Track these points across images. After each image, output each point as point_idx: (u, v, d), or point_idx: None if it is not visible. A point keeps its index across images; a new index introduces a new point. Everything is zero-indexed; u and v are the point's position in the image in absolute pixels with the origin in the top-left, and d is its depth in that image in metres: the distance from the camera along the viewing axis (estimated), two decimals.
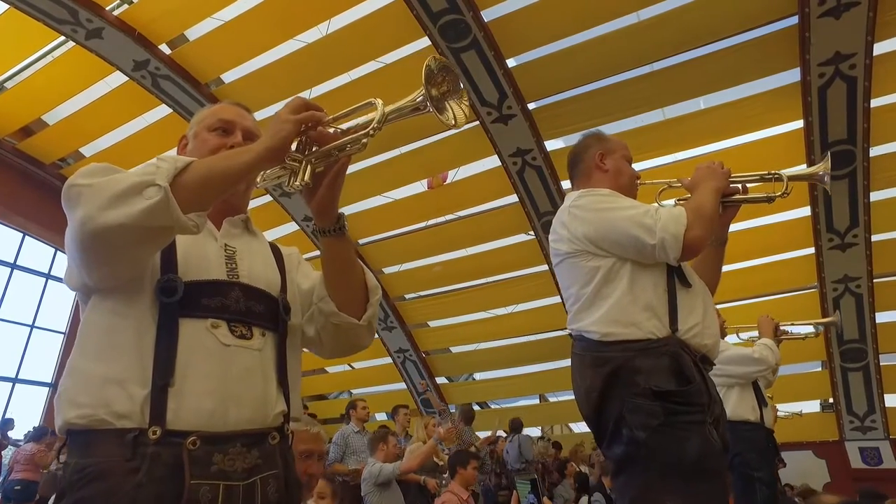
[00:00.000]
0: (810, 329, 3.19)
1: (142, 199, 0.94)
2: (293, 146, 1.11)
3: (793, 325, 2.88)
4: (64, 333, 11.24)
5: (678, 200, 1.98)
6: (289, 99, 1.12)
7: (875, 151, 6.84)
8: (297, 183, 1.11)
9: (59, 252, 11.48)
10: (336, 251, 1.25)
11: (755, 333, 3.48)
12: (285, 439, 1.14)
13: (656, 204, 1.92)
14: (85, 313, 1.10)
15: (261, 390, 1.10)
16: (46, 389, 10.78)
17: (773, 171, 1.99)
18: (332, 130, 1.14)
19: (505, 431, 7.86)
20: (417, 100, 1.06)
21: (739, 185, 1.94)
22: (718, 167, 1.91)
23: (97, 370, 1.01)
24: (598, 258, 1.80)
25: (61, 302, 11.35)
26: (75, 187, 0.99)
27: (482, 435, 8.04)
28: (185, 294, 1.07)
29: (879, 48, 6.21)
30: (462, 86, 1.11)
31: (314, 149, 1.13)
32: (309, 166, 1.11)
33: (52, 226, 11.06)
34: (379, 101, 1.06)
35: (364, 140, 1.08)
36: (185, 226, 0.98)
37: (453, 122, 1.08)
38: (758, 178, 2.00)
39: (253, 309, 1.15)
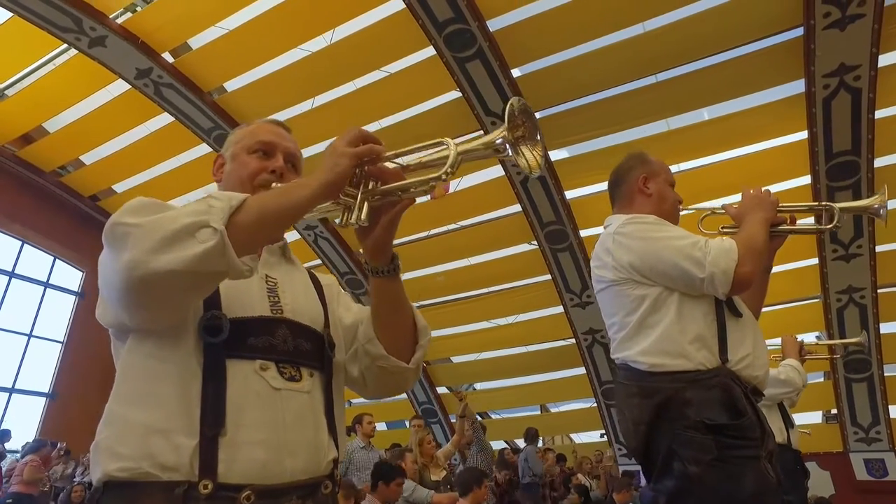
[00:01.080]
0: (836, 349, 3.14)
1: (195, 242, 0.87)
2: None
3: (817, 344, 2.84)
4: (62, 343, 11.13)
5: (722, 228, 1.93)
6: (347, 131, 1.04)
7: (879, 162, 6.86)
8: (353, 221, 1.03)
9: (57, 260, 11.41)
10: (388, 292, 1.17)
11: (775, 343, 3.43)
12: (335, 486, 1.10)
13: (703, 235, 1.85)
14: (122, 355, 1.03)
15: (313, 437, 1.04)
16: (44, 400, 10.66)
17: (823, 202, 1.94)
18: (391, 165, 1.06)
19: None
20: (496, 142, 0.97)
21: (787, 215, 1.88)
22: (766, 196, 1.85)
23: (139, 418, 0.94)
24: (645, 287, 1.75)
25: (59, 311, 11.26)
26: (121, 226, 0.91)
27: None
28: (231, 333, 1.00)
29: (884, 60, 6.24)
30: (539, 136, 1.02)
31: (371, 185, 1.05)
32: (366, 204, 1.03)
33: (50, 234, 11.00)
34: (451, 142, 0.98)
35: (433, 183, 1.00)
36: (240, 271, 0.91)
37: (528, 169, 1.00)
38: (806, 208, 1.95)
39: (301, 347, 1.08)
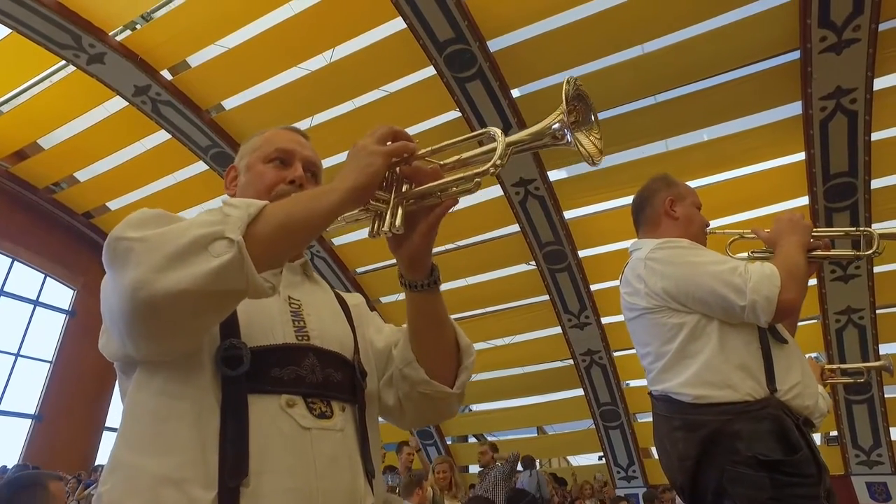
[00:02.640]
0: (858, 373, 3.09)
1: (208, 256, 0.76)
2: None
3: (840, 368, 2.79)
4: (50, 363, 10.89)
5: (752, 253, 1.87)
6: (377, 128, 0.94)
7: (876, 184, 6.91)
8: (387, 229, 0.91)
9: (48, 278, 11.22)
10: (427, 307, 1.05)
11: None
12: None
13: (742, 259, 1.78)
14: (129, 393, 0.89)
15: (348, 483, 0.92)
16: (29, 421, 10.38)
17: (861, 228, 1.87)
18: (427, 164, 0.95)
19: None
20: (553, 126, 0.87)
21: (821, 241, 1.81)
22: (800, 219, 1.78)
23: (148, 466, 0.82)
24: (681, 314, 1.68)
25: (48, 330, 11.04)
26: (123, 241, 0.79)
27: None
28: (252, 364, 0.88)
29: (879, 83, 6.32)
30: (594, 119, 0.92)
31: (405, 188, 0.94)
32: (400, 208, 0.92)
33: (41, 251, 10.84)
34: (498, 131, 0.88)
35: (478, 179, 0.88)
36: (261, 288, 0.79)
37: (589, 157, 0.90)
38: (843, 233, 1.90)
39: (331, 378, 0.96)
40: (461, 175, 0.91)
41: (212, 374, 0.87)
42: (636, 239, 1.97)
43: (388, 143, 0.91)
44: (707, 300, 1.63)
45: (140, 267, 0.76)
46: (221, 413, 0.84)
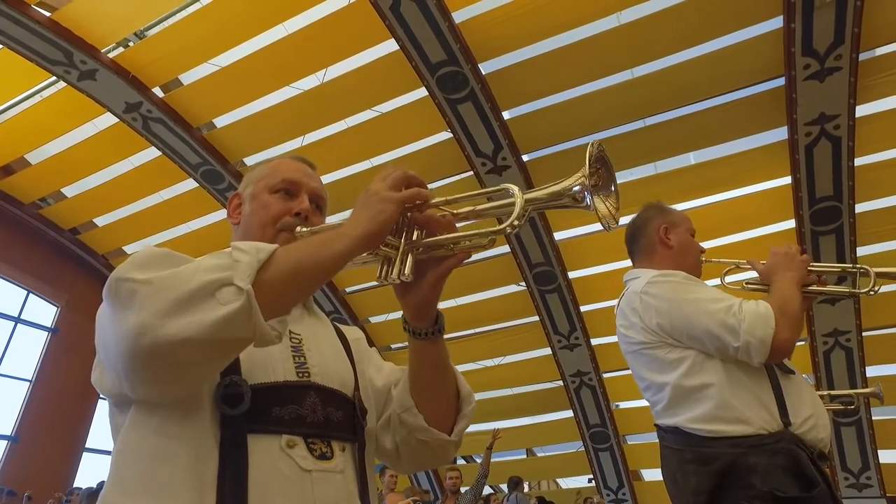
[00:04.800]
0: (848, 400, 3.09)
1: (216, 304, 0.73)
2: None
3: (829, 394, 2.79)
4: (30, 381, 10.63)
5: (747, 284, 1.85)
6: (387, 172, 0.91)
7: (860, 208, 7.03)
8: (394, 277, 0.89)
9: (31, 294, 11.02)
10: (429, 355, 1.03)
11: None
12: None
13: (736, 289, 1.76)
14: (123, 430, 0.86)
15: None
16: (4, 443, 10.09)
17: (859, 266, 1.84)
18: (440, 214, 0.93)
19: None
20: (573, 189, 0.85)
21: (816, 275, 1.77)
22: (796, 253, 1.75)
23: None
24: (679, 349, 1.66)
25: (29, 348, 10.80)
26: (128, 283, 0.76)
27: None
28: (253, 402, 0.85)
29: (861, 111, 6.46)
30: (614, 188, 0.90)
31: (416, 235, 0.91)
32: (410, 256, 0.90)
33: (24, 267, 10.67)
34: (515, 189, 0.85)
35: (493, 237, 0.86)
36: (268, 337, 0.77)
37: (606, 223, 0.88)
38: (839, 269, 1.87)
39: (331, 418, 0.94)
40: (476, 231, 0.89)
41: (210, 413, 0.84)
42: (632, 269, 1.95)
43: (402, 188, 0.89)
44: (701, 339, 1.62)
45: (144, 312, 0.74)
46: (220, 454, 0.82)
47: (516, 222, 0.83)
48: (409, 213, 0.91)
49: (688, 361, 1.64)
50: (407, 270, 0.88)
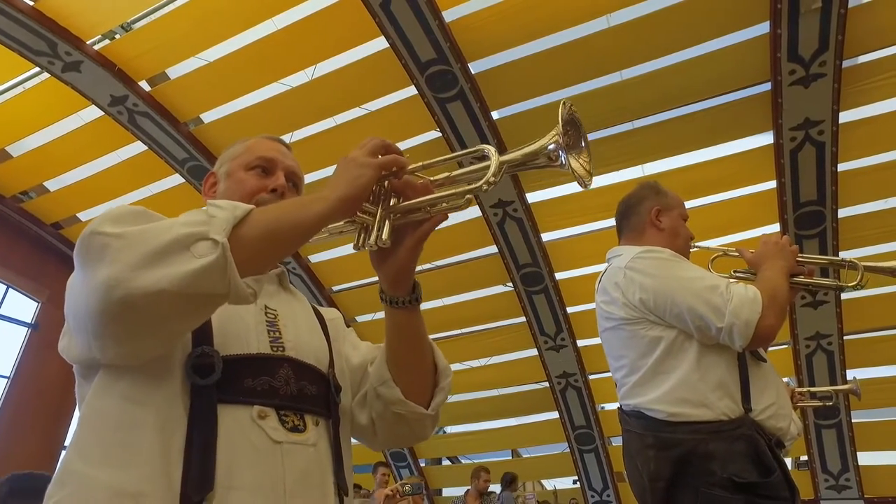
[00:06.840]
0: (827, 397, 3.13)
1: (190, 257, 0.72)
2: None
3: (809, 391, 2.82)
4: (8, 378, 10.45)
5: (735, 272, 1.85)
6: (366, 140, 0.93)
7: (843, 213, 7.12)
8: (372, 242, 0.89)
9: (11, 289, 10.83)
10: (407, 326, 1.03)
11: None
12: None
13: (725, 277, 1.73)
14: (87, 397, 0.84)
15: (319, 500, 0.89)
16: None
17: (847, 259, 1.84)
18: (417, 179, 0.95)
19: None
20: (548, 147, 0.87)
21: (804, 267, 1.78)
22: (786, 244, 1.76)
23: (103, 478, 0.76)
24: (660, 328, 1.64)
25: (7, 343, 10.61)
26: (99, 236, 0.75)
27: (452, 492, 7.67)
28: (224, 373, 0.84)
29: (844, 117, 6.56)
30: (584, 144, 0.94)
31: (393, 202, 0.92)
32: (387, 222, 0.91)
33: (5, 261, 10.48)
34: (492, 149, 0.87)
35: (469, 196, 0.89)
36: (243, 294, 0.76)
37: (581, 180, 0.90)
38: (827, 261, 1.90)
39: (305, 391, 0.93)
40: (453, 191, 0.90)
41: (180, 382, 0.83)
42: (617, 246, 1.95)
43: (379, 155, 0.90)
44: (684, 317, 1.59)
45: (116, 264, 0.72)
46: (188, 423, 0.80)
47: (492, 179, 0.84)
48: (386, 181, 0.92)
49: (666, 342, 1.63)
50: (385, 235, 0.90)
